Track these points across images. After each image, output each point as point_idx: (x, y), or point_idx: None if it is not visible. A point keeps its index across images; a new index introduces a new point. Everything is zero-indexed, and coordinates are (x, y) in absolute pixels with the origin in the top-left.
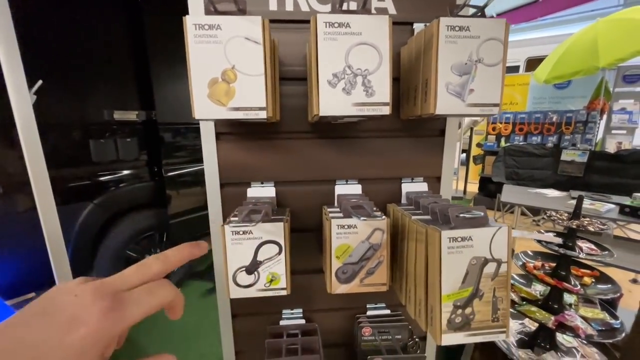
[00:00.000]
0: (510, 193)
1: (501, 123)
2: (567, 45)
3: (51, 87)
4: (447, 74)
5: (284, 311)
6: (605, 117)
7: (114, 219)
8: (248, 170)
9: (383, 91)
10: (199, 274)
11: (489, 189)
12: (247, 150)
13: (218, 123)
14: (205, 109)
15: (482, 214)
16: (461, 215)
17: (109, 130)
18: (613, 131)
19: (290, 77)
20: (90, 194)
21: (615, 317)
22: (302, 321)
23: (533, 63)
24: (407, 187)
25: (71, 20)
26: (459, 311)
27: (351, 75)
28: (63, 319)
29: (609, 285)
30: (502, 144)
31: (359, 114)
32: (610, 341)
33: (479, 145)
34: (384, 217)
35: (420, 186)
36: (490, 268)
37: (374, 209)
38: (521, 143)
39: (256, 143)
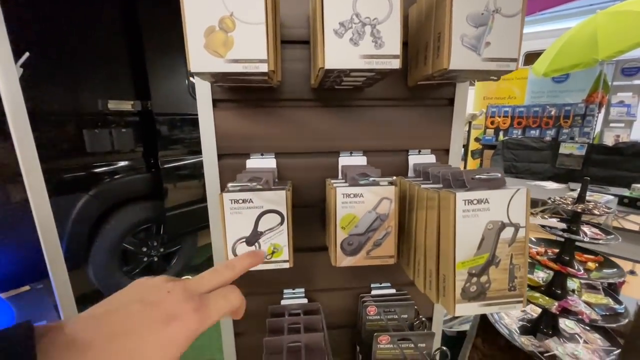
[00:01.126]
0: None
1: (499, 117)
2: (566, 38)
3: (43, 75)
4: (462, 25)
5: (285, 291)
6: (603, 110)
7: (110, 211)
8: (247, 140)
9: (393, 42)
10: (196, 267)
11: None
12: (246, 119)
13: (215, 89)
14: (202, 61)
15: (499, 175)
16: (477, 177)
17: (103, 121)
18: (611, 124)
19: (292, 40)
20: (85, 185)
21: (619, 302)
22: (305, 301)
23: (532, 57)
24: (414, 160)
25: (63, 6)
26: (474, 279)
27: (359, 24)
28: (161, 311)
29: (614, 270)
30: (501, 137)
31: (367, 67)
32: (614, 326)
33: (477, 139)
34: (391, 185)
35: (428, 158)
36: (507, 233)
37: (382, 178)
38: (519, 137)
39: (256, 111)
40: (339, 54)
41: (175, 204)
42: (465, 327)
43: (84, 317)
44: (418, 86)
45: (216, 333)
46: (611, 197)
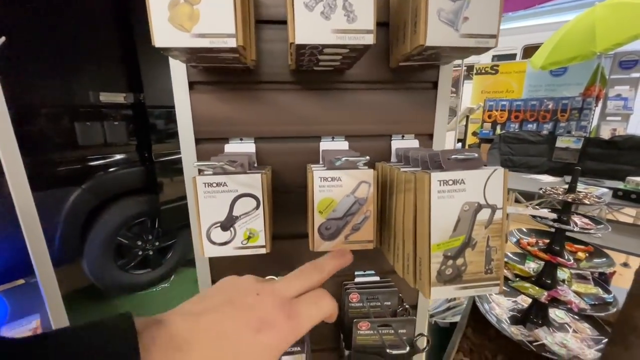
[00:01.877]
0: None
1: (497, 111)
2: (564, 31)
3: (33, 67)
4: None
5: (267, 278)
6: (600, 103)
7: (104, 204)
8: (225, 124)
9: (366, 16)
10: (191, 261)
11: None
12: (224, 102)
13: (191, 70)
14: (167, 36)
15: (476, 155)
16: (453, 157)
17: (95, 113)
18: (608, 118)
19: (270, 20)
20: (77, 179)
21: (608, 292)
22: None
23: (530, 51)
24: (398, 145)
25: None
26: (450, 262)
27: None
28: (254, 317)
29: (604, 259)
30: (498, 131)
31: (340, 43)
32: (603, 314)
33: (474, 134)
34: (370, 169)
35: (411, 143)
36: (484, 215)
37: (361, 160)
38: (516, 130)
39: (234, 94)
40: (310, 28)
41: (169, 198)
42: (458, 318)
43: (180, 314)
44: (401, 69)
45: None
46: (606, 190)
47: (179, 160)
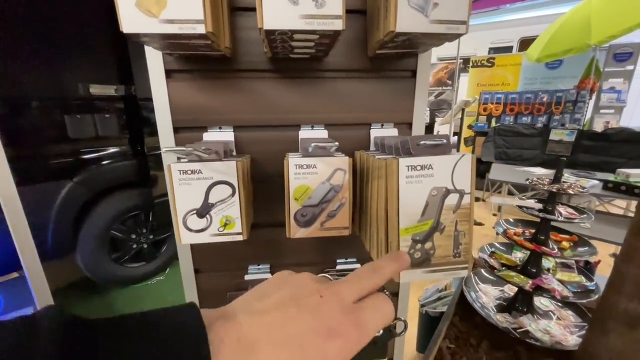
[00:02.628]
0: (498, 171)
1: (492, 103)
2: (560, 23)
3: (20, 58)
4: None
5: (249, 267)
6: (594, 96)
7: (96, 198)
8: (204, 113)
9: (335, 2)
10: None
11: (478, 170)
12: (202, 91)
13: (167, 58)
14: (134, 21)
15: (445, 141)
16: (422, 143)
17: (85, 105)
18: (602, 110)
19: (246, 7)
20: (69, 172)
21: (590, 280)
22: (269, 276)
23: (527, 43)
24: (377, 133)
25: None
26: (418, 246)
27: None
28: (322, 324)
29: (587, 248)
30: (493, 124)
31: (308, 28)
32: (584, 301)
33: (470, 127)
34: (345, 156)
35: (390, 132)
36: (452, 200)
37: (331, 145)
38: (511, 123)
39: (212, 82)
40: (278, 13)
41: (163, 191)
42: None
43: (243, 310)
44: (379, 57)
45: None
46: (596, 182)
47: None
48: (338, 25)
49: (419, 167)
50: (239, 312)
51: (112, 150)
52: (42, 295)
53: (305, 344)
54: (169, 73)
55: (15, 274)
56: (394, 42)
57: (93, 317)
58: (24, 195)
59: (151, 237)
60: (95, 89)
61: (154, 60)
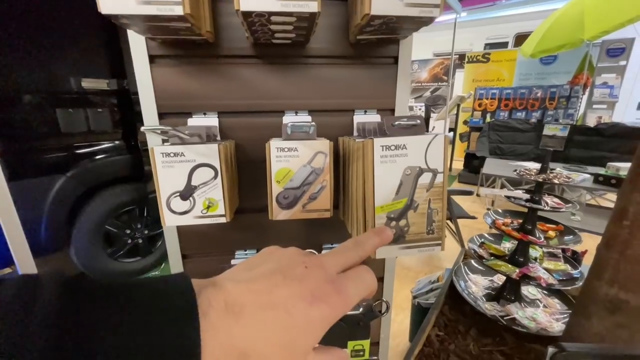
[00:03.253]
0: (492, 166)
1: (487, 99)
2: (554, 18)
3: (10, 52)
4: None
5: (237, 252)
6: (587, 91)
7: (90, 192)
8: (188, 98)
9: None
10: None
11: (473, 165)
12: (186, 76)
13: (151, 43)
14: (112, 2)
15: (419, 121)
16: (396, 123)
17: (77, 100)
18: (594, 106)
19: None
20: (62, 167)
21: (575, 268)
22: None
23: (522, 39)
24: (360, 119)
25: None
26: (393, 223)
27: None
28: (306, 290)
29: (571, 236)
30: (488, 120)
31: (285, 10)
32: (569, 288)
33: (465, 122)
34: (326, 139)
35: (373, 118)
36: (425, 178)
37: (309, 126)
38: (505, 119)
39: (196, 68)
40: None
41: None
42: None
43: (230, 279)
44: (361, 43)
45: None
46: (587, 175)
47: None
48: (313, 7)
49: (393, 147)
50: (227, 281)
51: (105, 144)
52: None
53: (290, 307)
54: (152, 58)
55: (8, 269)
56: (371, 25)
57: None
58: (15, 190)
59: (146, 232)
60: (87, 83)
61: (137, 45)
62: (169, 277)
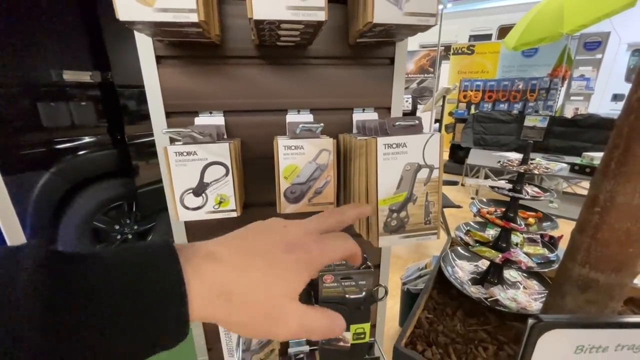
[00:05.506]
0: (476, 157)
1: (472, 91)
2: (535, 12)
3: None
4: None
5: None
6: (566, 83)
7: (76, 188)
8: (194, 98)
9: None
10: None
11: (458, 156)
12: (192, 76)
13: (157, 45)
14: (130, 10)
15: (417, 122)
16: (397, 124)
17: (59, 93)
18: (572, 97)
19: None
20: (45, 162)
21: (552, 252)
22: None
23: (505, 31)
24: (358, 117)
25: None
26: (394, 215)
27: None
28: (283, 241)
29: (549, 223)
30: (472, 111)
31: (294, 19)
32: (546, 271)
33: (451, 114)
34: (330, 137)
35: (371, 116)
36: (423, 174)
37: (317, 127)
38: (489, 110)
39: (202, 68)
40: (266, 4)
41: (146, 181)
42: None
43: (213, 242)
44: (360, 45)
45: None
46: (564, 165)
47: (153, 143)
48: (321, 16)
49: (394, 145)
50: (209, 242)
51: (90, 139)
52: None
53: (267, 254)
54: (159, 59)
55: None
56: (372, 31)
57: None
58: None
59: (136, 227)
60: (69, 75)
61: (144, 46)
62: (151, 242)
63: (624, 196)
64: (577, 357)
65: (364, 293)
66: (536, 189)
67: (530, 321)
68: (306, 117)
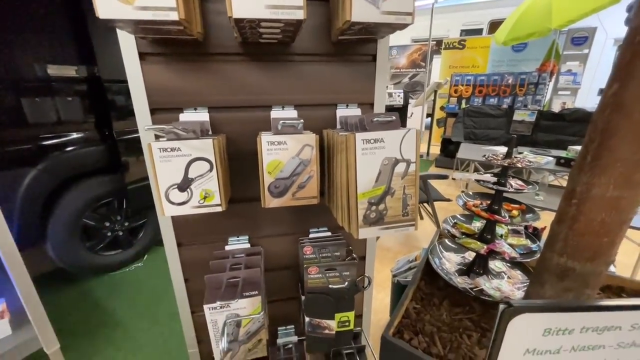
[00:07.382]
0: (466, 150)
1: (462, 85)
2: (525, 7)
3: None
4: None
5: (230, 239)
6: (554, 78)
7: (65, 185)
8: (179, 94)
9: None
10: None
11: (449, 150)
12: (176, 73)
13: (140, 42)
14: (110, 8)
15: (394, 118)
16: (375, 120)
17: (44, 88)
18: (559, 92)
19: None
20: (31, 159)
21: (534, 242)
22: (248, 246)
23: (496, 26)
24: (342, 113)
25: None
26: (373, 207)
27: None
28: None
29: (532, 214)
30: (463, 106)
31: (273, 17)
32: (529, 260)
33: (442, 108)
34: (313, 133)
35: (355, 112)
36: (400, 168)
37: (298, 122)
38: (479, 105)
39: (186, 65)
40: (245, 3)
41: (136, 177)
42: None
43: None
44: (342, 42)
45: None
46: (550, 158)
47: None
48: (299, 15)
49: (372, 141)
50: None
51: (77, 135)
52: (22, 283)
53: None
54: (142, 55)
55: None
56: (352, 29)
57: (67, 308)
58: None
59: (126, 224)
60: (53, 70)
61: (127, 42)
62: None
63: (599, 188)
64: (545, 339)
65: (346, 283)
66: (520, 182)
67: (501, 306)
68: (290, 113)
